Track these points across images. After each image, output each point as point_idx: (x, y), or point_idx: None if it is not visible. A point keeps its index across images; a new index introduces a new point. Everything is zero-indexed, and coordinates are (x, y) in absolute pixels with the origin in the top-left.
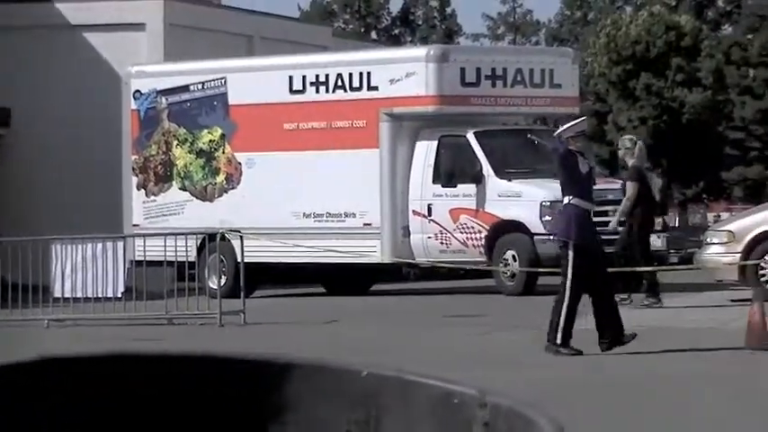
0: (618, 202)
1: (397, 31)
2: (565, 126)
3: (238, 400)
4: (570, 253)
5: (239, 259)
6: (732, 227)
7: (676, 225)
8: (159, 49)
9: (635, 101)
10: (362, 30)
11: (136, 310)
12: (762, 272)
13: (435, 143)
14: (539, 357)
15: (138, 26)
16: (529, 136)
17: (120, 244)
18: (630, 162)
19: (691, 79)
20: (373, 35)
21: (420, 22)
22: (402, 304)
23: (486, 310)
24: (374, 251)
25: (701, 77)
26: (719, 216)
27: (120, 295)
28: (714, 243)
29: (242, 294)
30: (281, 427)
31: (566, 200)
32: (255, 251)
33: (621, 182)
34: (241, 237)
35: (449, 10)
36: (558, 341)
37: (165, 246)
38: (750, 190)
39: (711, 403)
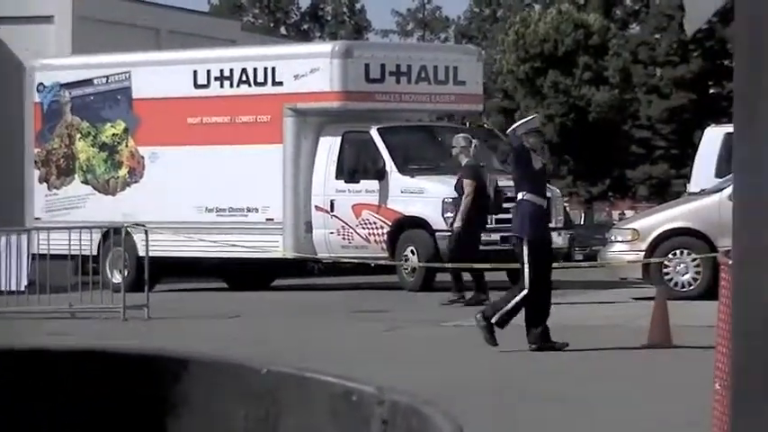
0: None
1: (306, 27)
2: (518, 123)
3: (134, 394)
4: (525, 249)
5: (141, 253)
6: (636, 225)
7: (581, 223)
8: (67, 41)
9: (542, 98)
10: (272, 24)
11: (39, 303)
12: (665, 270)
13: (339, 139)
14: (441, 354)
15: (47, 18)
16: (485, 123)
17: (24, 237)
18: (465, 161)
19: (598, 78)
20: (282, 30)
21: (329, 18)
22: (307, 299)
23: (390, 306)
24: (276, 246)
25: (608, 76)
26: (624, 214)
27: (23, 289)
28: (618, 241)
29: (146, 288)
30: (177, 422)
31: (519, 196)
32: (158, 245)
33: (457, 179)
34: (146, 231)
35: (358, 6)
36: (494, 320)
37: (69, 239)
38: (655, 188)
39: (611, 400)
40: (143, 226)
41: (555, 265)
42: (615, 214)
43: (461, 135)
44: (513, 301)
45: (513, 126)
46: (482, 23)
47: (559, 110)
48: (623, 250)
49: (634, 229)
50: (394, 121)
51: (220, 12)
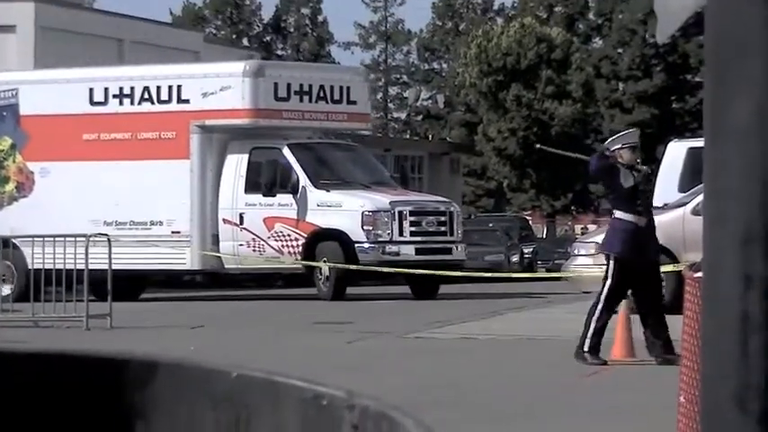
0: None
1: (268, 38)
2: (616, 135)
3: (102, 398)
4: (611, 265)
5: (29, 266)
6: (599, 238)
7: (544, 236)
8: (29, 51)
9: (505, 112)
10: (234, 36)
11: (2, 312)
12: None
13: (246, 155)
14: (405, 365)
15: (8, 28)
16: (539, 146)
17: None
18: None
19: (560, 92)
20: (245, 42)
21: (292, 30)
22: (267, 310)
23: (349, 318)
24: (183, 259)
25: (570, 90)
26: (586, 228)
27: None
28: (581, 254)
29: (109, 298)
30: (146, 427)
31: (615, 213)
32: (49, 258)
33: None
34: (108, 240)
35: (321, 18)
36: (585, 348)
37: None
38: None
39: (573, 415)
40: (106, 236)
41: (490, 275)
42: (578, 228)
43: None
44: (593, 324)
45: (611, 138)
46: (445, 36)
47: (522, 123)
48: (586, 264)
49: (596, 243)
50: (296, 138)
51: (183, 22)
